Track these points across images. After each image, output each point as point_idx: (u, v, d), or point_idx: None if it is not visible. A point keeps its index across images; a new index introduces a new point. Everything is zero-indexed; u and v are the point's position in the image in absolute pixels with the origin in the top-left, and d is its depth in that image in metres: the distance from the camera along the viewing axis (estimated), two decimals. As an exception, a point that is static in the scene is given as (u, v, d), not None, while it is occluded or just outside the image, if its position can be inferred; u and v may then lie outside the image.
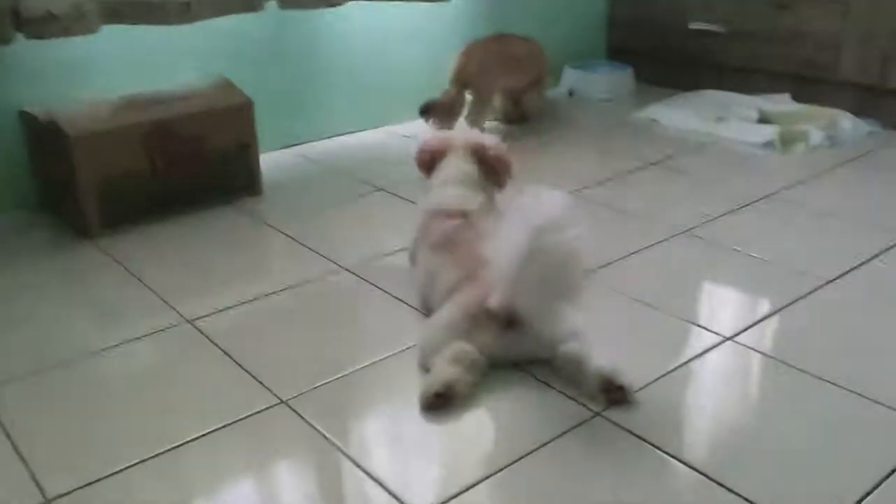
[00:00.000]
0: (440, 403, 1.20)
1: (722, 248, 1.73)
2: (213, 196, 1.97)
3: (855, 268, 1.62)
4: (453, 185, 1.57)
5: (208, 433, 1.16)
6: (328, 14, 2.35)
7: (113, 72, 2.01)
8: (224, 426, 1.17)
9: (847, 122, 2.44)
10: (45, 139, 1.81)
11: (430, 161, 1.62)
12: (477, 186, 1.58)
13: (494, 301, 1.26)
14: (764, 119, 2.50)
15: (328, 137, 2.50)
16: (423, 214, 1.57)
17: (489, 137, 1.64)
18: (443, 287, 1.37)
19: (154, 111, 1.82)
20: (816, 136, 2.34)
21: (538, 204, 1.19)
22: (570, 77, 2.97)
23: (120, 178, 1.79)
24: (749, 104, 2.59)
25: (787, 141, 2.33)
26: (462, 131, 1.66)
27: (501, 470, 1.08)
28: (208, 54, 2.16)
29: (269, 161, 2.26)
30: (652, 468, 1.09)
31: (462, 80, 2.37)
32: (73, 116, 1.75)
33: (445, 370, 1.22)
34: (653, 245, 1.74)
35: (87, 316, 1.52)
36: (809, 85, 2.61)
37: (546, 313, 1.25)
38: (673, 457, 1.10)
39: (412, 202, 1.89)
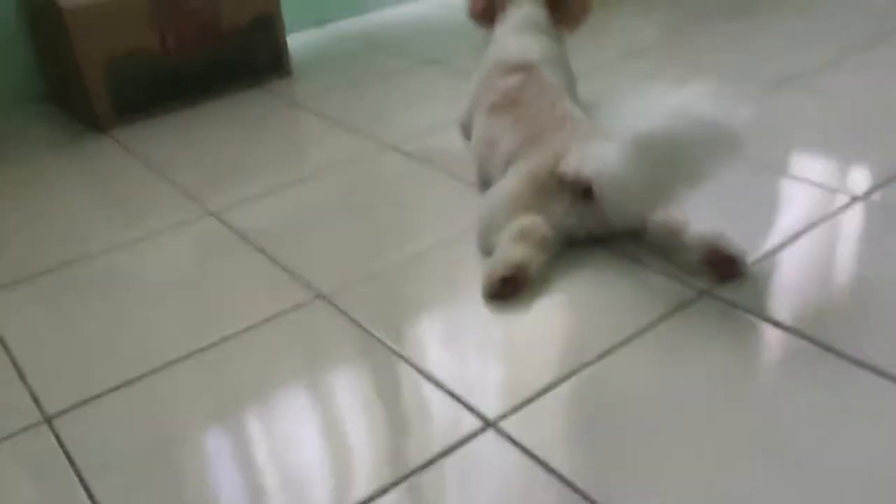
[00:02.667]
0: (508, 290, 0.98)
1: (838, 97, 1.44)
2: (235, 78, 1.74)
3: None
4: (516, 33, 1.29)
5: (234, 334, 0.97)
6: None
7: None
8: (250, 327, 0.98)
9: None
10: (42, 19, 1.60)
11: (486, 7, 1.33)
12: (544, 33, 1.29)
13: (569, 166, 1.02)
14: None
15: (365, 13, 2.23)
16: (477, 76, 1.32)
17: None
18: (503, 154, 1.13)
19: (160, -21, 1.59)
20: (937, -32, 1.97)
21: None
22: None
23: (127, 58, 1.57)
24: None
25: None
26: None
27: (588, 366, 0.87)
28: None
29: (300, 40, 2.02)
30: (778, 352, 0.86)
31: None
32: (68, -10, 1.53)
33: (511, 250, 0.99)
34: (755, 99, 1.46)
35: (101, 212, 1.34)
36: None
37: (658, 204, 1.00)
38: (804, 336, 0.87)
39: (462, 73, 1.64)
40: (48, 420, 0.87)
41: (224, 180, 1.37)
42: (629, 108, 0.94)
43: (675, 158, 0.90)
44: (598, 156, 0.98)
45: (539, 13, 1.29)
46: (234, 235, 1.20)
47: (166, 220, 1.26)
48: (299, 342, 0.96)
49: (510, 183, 1.07)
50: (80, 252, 1.19)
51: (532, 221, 1.02)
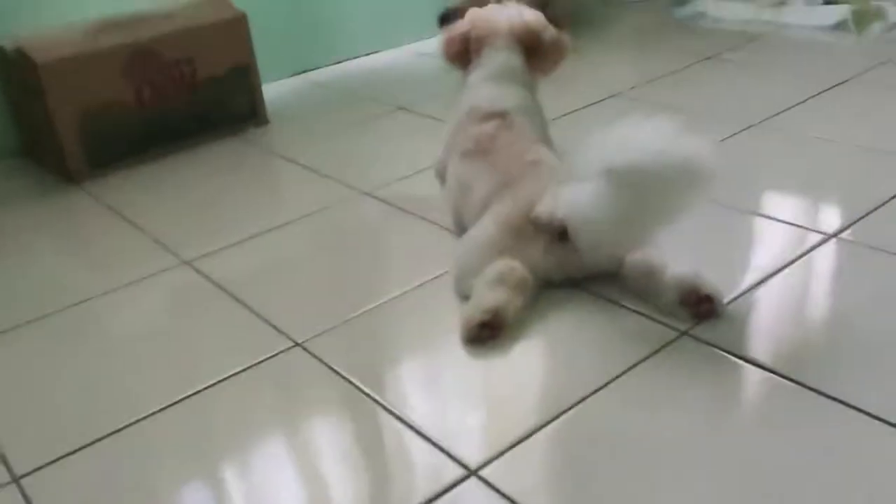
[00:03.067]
0: (486, 334, 0.98)
1: (805, 139, 1.47)
2: (212, 127, 1.74)
3: (971, 146, 1.35)
4: (491, 80, 1.28)
5: (213, 384, 0.95)
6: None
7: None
8: (228, 377, 0.97)
9: (928, -5, 2.12)
10: (16, 73, 1.60)
11: (461, 51, 1.32)
12: (518, 82, 1.29)
13: (543, 209, 1.03)
14: (830, 1, 2.19)
15: (340, 61, 2.26)
16: (452, 121, 1.32)
17: (534, 15, 1.32)
18: (478, 198, 1.13)
19: (134, 32, 1.59)
20: (895, 12, 2.03)
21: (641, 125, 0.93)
22: (603, -21, 2.66)
23: (102, 111, 1.57)
24: (811, -14, 2.28)
25: (861, 20, 2.03)
26: (501, 9, 1.32)
27: (569, 410, 0.86)
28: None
29: (276, 90, 2.03)
30: (758, 391, 0.86)
31: (483, -20, 2.09)
32: (42, 43, 1.53)
33: (488, 294, 0.99)
34: (723, 141, 1.48)
35: (75, 264, 1.32)
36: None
37: (632, 243, 1.02)
38: (782, 375, 0.87)
39: (438, 119, 1.65)
40: (16, 480, 0.84)
41: (200, 229, 1.37)
42: (600, 144, 0.95)
43: (648, 194, 0.91)
44: (571, 197, 0.99)
45: (514, 60, 1.28)
46: (209, 284, 1.19)
47: (141, 270, 1.25)
48: (278, 391, 0.94)
49: (485, 228, 1.08)
50: (55, 304, 1.17)
51: (508, 265, 1.02)
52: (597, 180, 0.94)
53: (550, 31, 1.31)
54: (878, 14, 2.04)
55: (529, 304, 1.02)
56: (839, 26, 2.05)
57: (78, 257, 1.34)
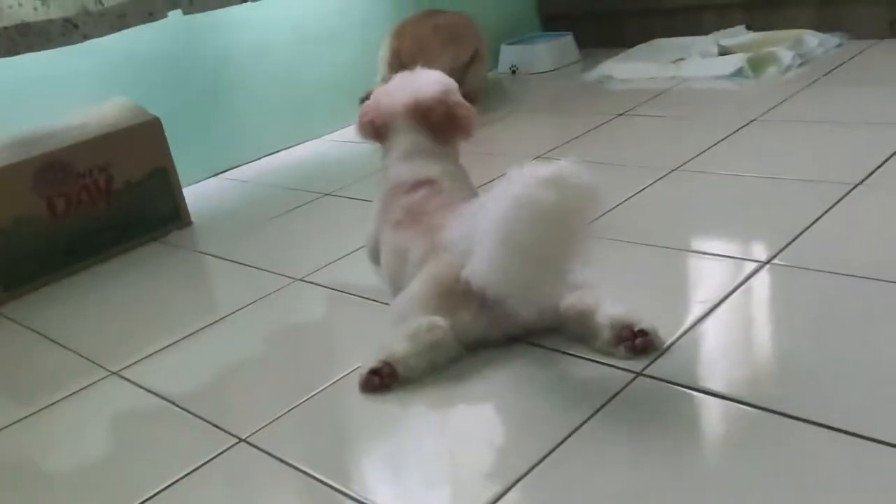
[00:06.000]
0: (377, 383, 0.99)
1: (724, 177, 1.51)
2: (133, 234, 1.69)
3: (880, 165, 1.41)
4: (406, 159, 1.25)
5: (156, 494, 0.88)
6: (237, 21, 2.11)
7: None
8: (171, 484, 0.89)
9: (813, 38, 2.26)
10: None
11: (374, 133, 1.30)
12: (433, 153, 1.26)
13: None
14: (725, 53, 2.31)
15: (260, 157, 2.24)
16: (377, 201, 1.30)
17: (434, 86, 1.27)
18: (413, 262, 1.11)
19: (43, 145, 1.54)
20: (786, 56, 2.15)
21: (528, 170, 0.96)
22: (509, 55, 2.76)
23: (14, 228, 1.50)
24: (706, 42, 2.40)
25: (757, 66, 2.14)
26: (402, 86, 1.28)
27: (535, 467, 0.82)
28: (106, 85, 1.89)
29: (197, 190, 2.00)
30: (725, 422, 0.84)
31: (399, 63, 2.13)
32: (-55, 166, 1.47)
33: (393, 345, 1.01)
34: (647, 188, 1.51)
35: (-8, 393, 1.23)
36: (765, 11, 2.43)
37: (547, 287, 1.00)
38: (743, 402, 0.85)
39: (367, 199, 1.64)
40: None
41: (129, 338, 1.30)
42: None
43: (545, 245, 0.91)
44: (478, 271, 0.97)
45: (419, 137, 1.25)
46: (141, 391, 1.12)
47: (69, 388, 1.17)
48: (225, 492, 0.87)
49: (417, 287, 1.06)
50: (-30, 437, 1.08)
51: (430, 323, 1.01)
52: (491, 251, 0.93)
53: (444, 105, 1.26)
54: (772, 58, 2.15)
55: (439, 367, 1.01)
56: (737, 73, 2.15)
57: (-3, 383, 1.25)
